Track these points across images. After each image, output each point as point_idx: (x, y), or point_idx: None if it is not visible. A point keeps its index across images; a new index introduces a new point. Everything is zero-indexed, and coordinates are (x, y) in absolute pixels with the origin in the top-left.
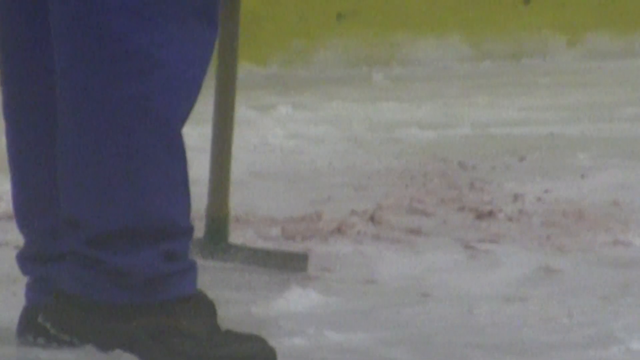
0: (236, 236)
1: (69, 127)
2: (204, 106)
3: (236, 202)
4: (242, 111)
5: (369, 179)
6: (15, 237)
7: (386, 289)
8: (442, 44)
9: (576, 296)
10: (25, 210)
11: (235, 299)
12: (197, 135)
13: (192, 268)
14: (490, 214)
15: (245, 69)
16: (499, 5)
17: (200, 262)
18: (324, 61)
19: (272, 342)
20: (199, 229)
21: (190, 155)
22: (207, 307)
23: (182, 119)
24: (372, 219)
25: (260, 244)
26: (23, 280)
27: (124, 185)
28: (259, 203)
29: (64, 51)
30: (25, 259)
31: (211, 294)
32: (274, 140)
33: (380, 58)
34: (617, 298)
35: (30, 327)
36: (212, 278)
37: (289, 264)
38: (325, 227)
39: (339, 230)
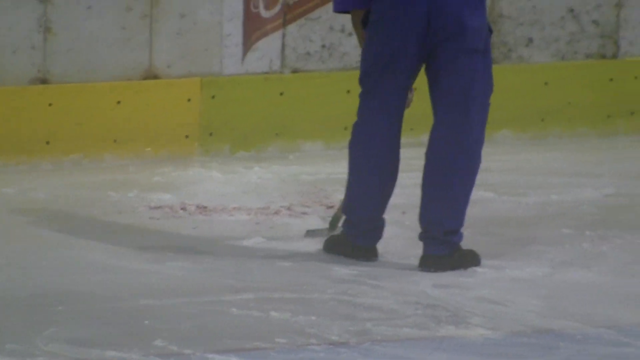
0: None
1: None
2: None
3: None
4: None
5: (289, 195)
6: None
7: (292, 232)
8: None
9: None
10: (358, 202)
11: None
12: None
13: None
14: (331, 207)
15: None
16: None
17: None
18: None
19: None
20: None
21: None
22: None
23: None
24: (289, 208)
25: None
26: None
27: (460, 208)
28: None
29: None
30: (345, 222)
31: None
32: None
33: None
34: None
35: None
36: None
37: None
38: (274, 210)
39: (276, 213)
